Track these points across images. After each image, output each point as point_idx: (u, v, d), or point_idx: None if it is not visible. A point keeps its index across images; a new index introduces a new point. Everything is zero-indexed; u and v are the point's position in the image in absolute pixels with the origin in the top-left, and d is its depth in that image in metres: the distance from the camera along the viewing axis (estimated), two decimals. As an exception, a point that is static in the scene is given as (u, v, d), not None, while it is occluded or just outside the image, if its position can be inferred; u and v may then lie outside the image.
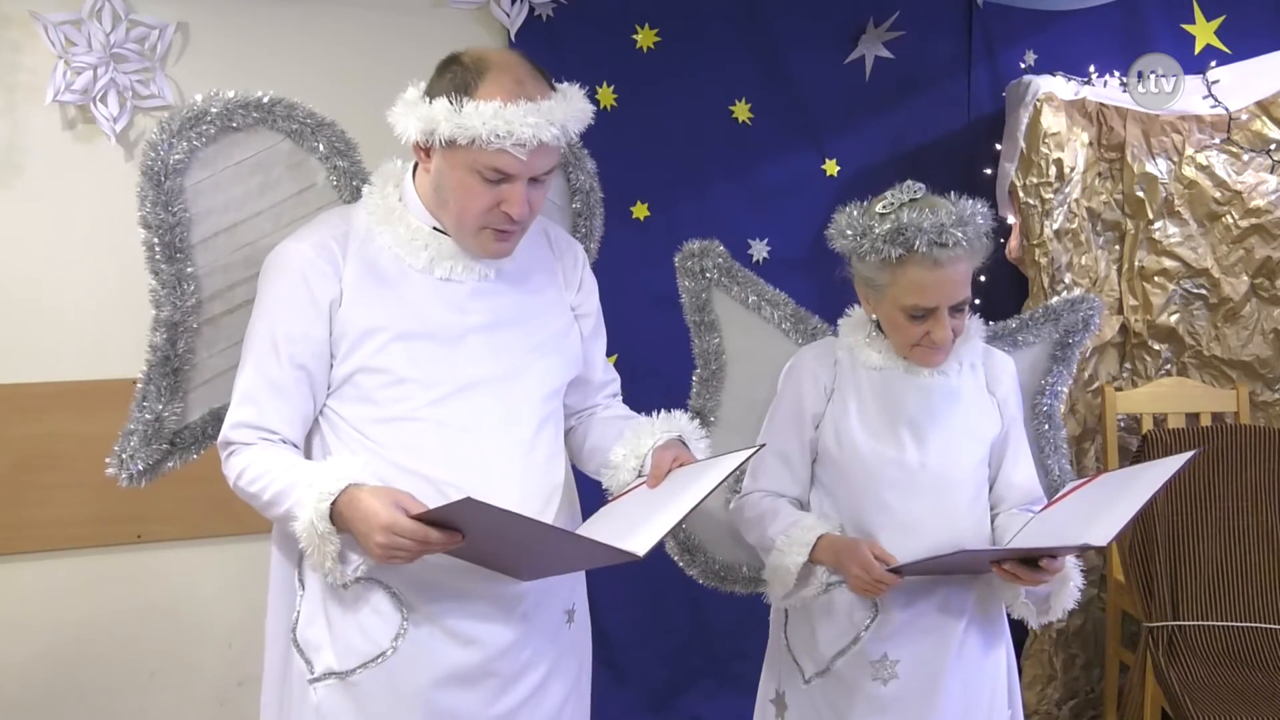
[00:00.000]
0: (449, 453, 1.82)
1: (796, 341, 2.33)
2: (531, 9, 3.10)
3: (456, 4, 3.09)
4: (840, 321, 2.25)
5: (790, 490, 2.22)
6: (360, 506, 1.71)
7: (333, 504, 1.72)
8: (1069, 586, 2.10)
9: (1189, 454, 2.05)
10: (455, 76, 1.79)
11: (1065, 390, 2.39)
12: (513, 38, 3.09)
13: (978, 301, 2.28)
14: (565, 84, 1.87)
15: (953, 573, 2.11)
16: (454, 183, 1.81)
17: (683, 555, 2.42)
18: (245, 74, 2.88)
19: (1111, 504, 1.99)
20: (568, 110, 1.79)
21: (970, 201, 2.04)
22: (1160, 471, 2.00)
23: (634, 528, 1.78)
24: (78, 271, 2.89)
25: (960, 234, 1.97)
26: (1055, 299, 2.42)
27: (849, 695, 2.13)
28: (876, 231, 2.01)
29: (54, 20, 2.80)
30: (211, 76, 2.87)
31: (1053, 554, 1.98)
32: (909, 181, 2.07)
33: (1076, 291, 3.33)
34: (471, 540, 1.71)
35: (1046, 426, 2.39)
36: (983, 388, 2.19)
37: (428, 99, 1.79)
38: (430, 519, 1.67)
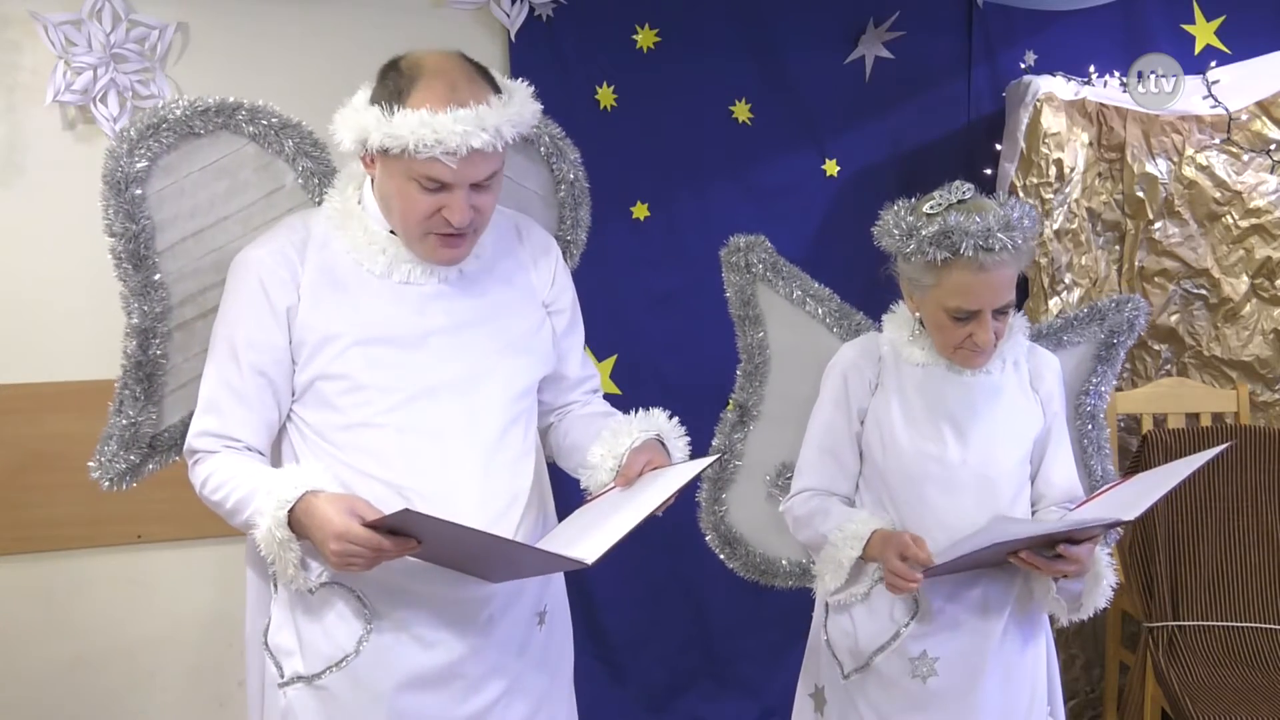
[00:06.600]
0: (409, 458, 1.82)
1: (841, 337, 2.32)
2: (531, 9, 3.10)
3: (456, 4, 3.09)
4: (885, 317, 2.24)
5: (840, 487, 2.22)
6: (316, 514, 1.71)
7: (291, 511, 1.73)
8: (1101, 584, 2.10)
9: (1221, 447, 2.08)
10: (390, 83, 1.78)
11: (1109, 391, 2.38)
12: (513, 38, 3.09)
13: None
14: (515, 83, 1.85)
15: (981, 565, 2.09)
16: (394, 190, 1.80)
17: (723, 548, 2.40)
18: (245, 74, 2.89)
19: (1141, 496, 2.02)
20: (503, 114, 1.76)
21: (1017, 204, 2.03)
22: (1191, 464, 2.02)
23: (591, 533, 1.78)
24: (78, 271, 2.88)
25: (1007, 239, 1.97)
26: (1102, 299, 2.39)
27: (888, 691, 2.14)
28: (923, 233, 2.01)
29: (54, 20, 2.80)
30: (211, 76, 2.88)
31: (1071, 539, 1.98)
32: (958, 181, 2.06)
33: (1078, 292, 3.36)
34: (428, 546, 1.71)
35: (1090, 426, 2.37)
36: (1026, 385, 2.19)
37: (369, 105, 1.77)
38: (381, 526, 1.67)
